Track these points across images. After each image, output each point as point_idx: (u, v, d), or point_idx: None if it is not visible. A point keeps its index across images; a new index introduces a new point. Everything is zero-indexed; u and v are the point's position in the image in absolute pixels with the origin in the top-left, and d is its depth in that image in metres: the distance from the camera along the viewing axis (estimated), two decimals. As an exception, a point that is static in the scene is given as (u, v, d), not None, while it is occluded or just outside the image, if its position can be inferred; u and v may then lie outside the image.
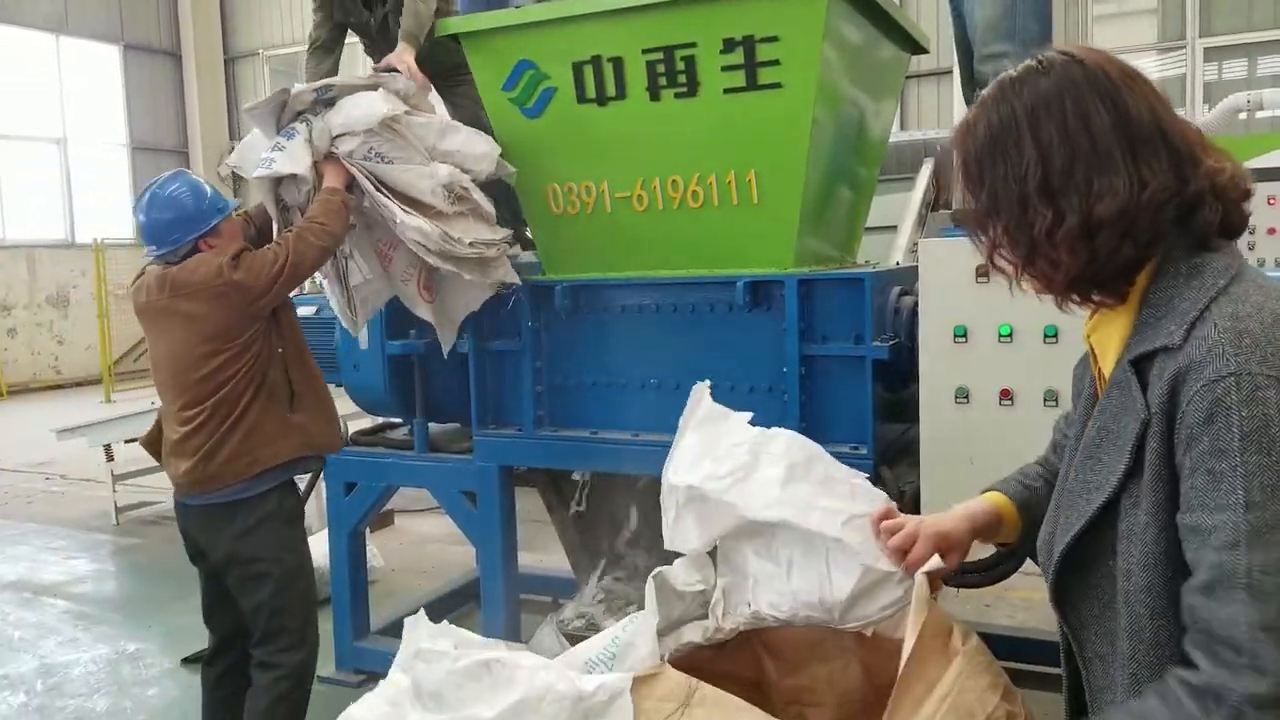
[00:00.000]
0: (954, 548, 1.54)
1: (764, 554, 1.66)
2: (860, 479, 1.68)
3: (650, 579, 1.71)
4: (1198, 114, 11.04)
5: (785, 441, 1.71)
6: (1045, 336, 2.57)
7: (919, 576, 1.51)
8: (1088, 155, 1.18)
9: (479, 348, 3.62)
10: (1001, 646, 3.74)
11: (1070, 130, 1.19)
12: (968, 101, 3.23)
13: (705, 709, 1.52)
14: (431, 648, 1.60)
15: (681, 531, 1.73)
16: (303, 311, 4.23)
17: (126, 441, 7.06)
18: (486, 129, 4.16)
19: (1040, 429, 2.59)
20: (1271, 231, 5.01)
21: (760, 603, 1.66)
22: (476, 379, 3.64)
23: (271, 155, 3.03)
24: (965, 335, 2.67)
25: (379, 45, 4.15)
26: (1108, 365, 1.31)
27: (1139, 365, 1.21)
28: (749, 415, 1.78)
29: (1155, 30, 11.85)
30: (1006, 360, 2.63)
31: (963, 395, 2.69)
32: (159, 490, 7.27)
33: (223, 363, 2.88)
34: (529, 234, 4.62)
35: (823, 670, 1.79)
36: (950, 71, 11.83)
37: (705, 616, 1.75)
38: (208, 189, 3.04)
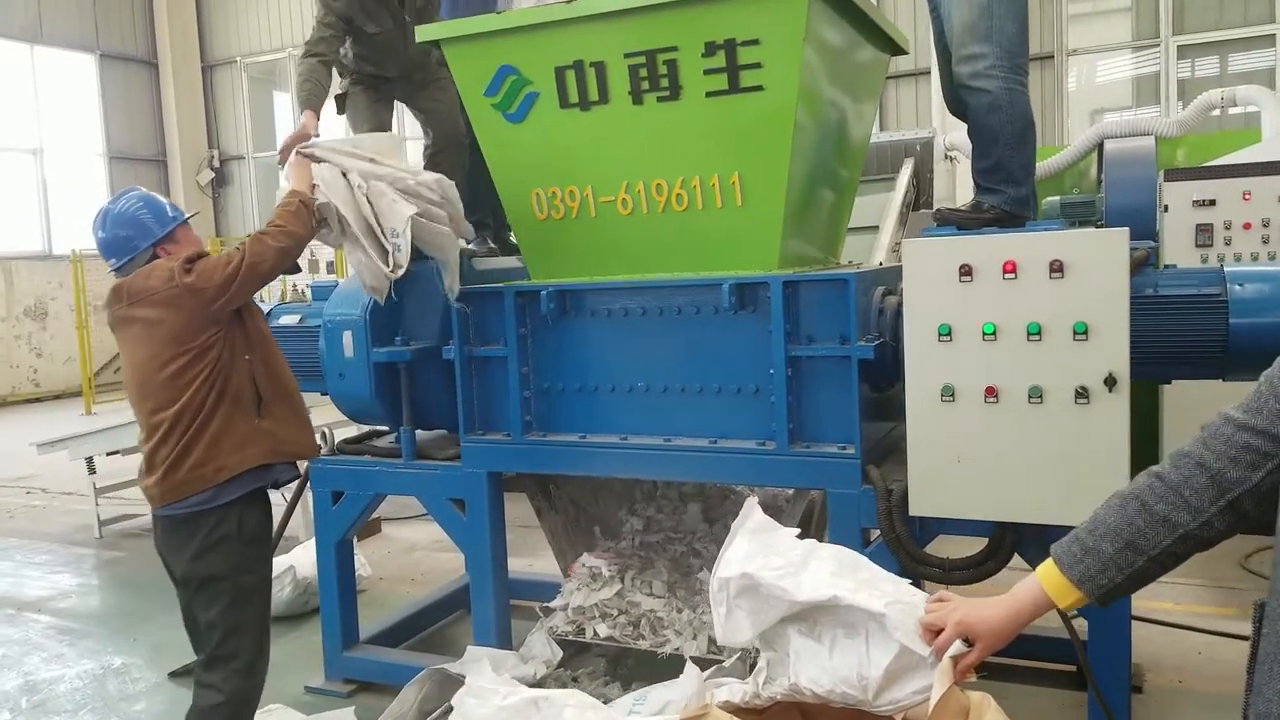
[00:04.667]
0: (982, 637, 1.56)
1: (807, 633, 1.74)
2: (905, 582, 1.76)
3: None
4: (1172, 111, 11.17)
5: (834, 549, 1.84)
6: (1028, 334, 2.59)
7: (943, 660, 1.58)
8: None
9: (465, 354, 3.62)
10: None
11: None
12: (948, 102, 3.25)
13: None
14: (483, 685, 1.65)
15: (734, 625, 1.81)
16: (285, 320, 4.23)
17: (109, 454, 7.00)
18: (462, 131, 4.18)
19: (1025, 426, 2.64)
20: (1247, 226, 5.08)
21: (800, 677, 1.74)
22: (463, 385, 3.63)
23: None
24: (950, 334, 2.68)
25: (396, 49, 4.14)
26: None
27: None
28: (797, 530, 1.90)
29: (1129, 29, 11.97)
30: (991, 358, 2.64)
31: (948, 393, 2.70)
32: (142, 503, 7.14)
33: (181, 367, 2.86)
34: (513, 239, 4.64)
35: None
36: (928, 72, 11.91)
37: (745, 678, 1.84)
38: (162, 200, 3.10)
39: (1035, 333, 2.58)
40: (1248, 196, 5.07)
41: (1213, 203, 5.15)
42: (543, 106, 3.36)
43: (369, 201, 3.35)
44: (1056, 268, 2.54)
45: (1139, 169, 5.69)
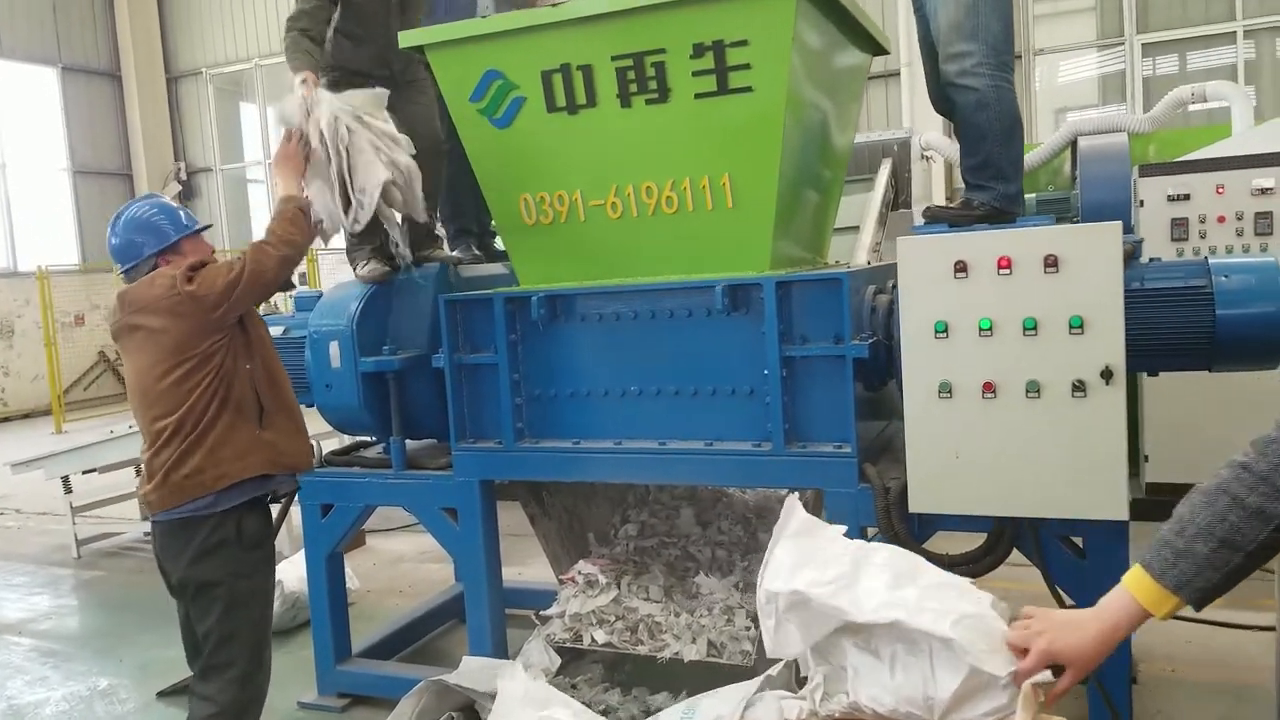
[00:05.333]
0: (1071, 664, 1.47)
1: (863, 648, 1.69)
2: (966, 583, 1.69)
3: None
4: (1139, 109, 11.34)
5: (887, 553, 1.76)
6: (1024, 329, 2.60)
7: (1025, 686, 1.50)
8: None
9: (455, 361, 3.58)
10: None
11: None
12: (934, 100, 3.27)
13: None
14: (544, 714, 1.61)
15: (784, 638, 1.75)
16: (272, 331, 4.17)
17: (84, 472, 6.89)
18: (441, 138, 4.12)
19: (1023, 421, 2.65)
20: (1221, 219, 5.16)
21: (860, 695, 1.68)
22: (454, 393, 3.60)
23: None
24: (946, 330, 2.69)
25: (378, 21, 4.01)
26: None
27: None
28: (844, 528, 1.83)
29: (1094, 28, 12.14)
30: (988, 354, 2.66)
31: (946, 390, 2.71)
32: (120, 521, 7.10)
33: (184, 374, 2.87)
34: (498, 245, 4.61)
35: None
36: (898, 73, 12.02)
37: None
38: (178, 210, 3.12)
39: (1031, 328, 2.60)
40: (1221, 190, 5.16)
41: (1187, 197, 5.23)
42: (529, 111, 3.34)
43: (347, 152, 3.33)
44: (1051, 263, 2.56)
45: (1113, 165, 5.75)
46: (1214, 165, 5.23)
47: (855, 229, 6.18)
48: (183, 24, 17.61)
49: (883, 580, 1.68)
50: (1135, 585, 1.46)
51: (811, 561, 1.74)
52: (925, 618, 1.60)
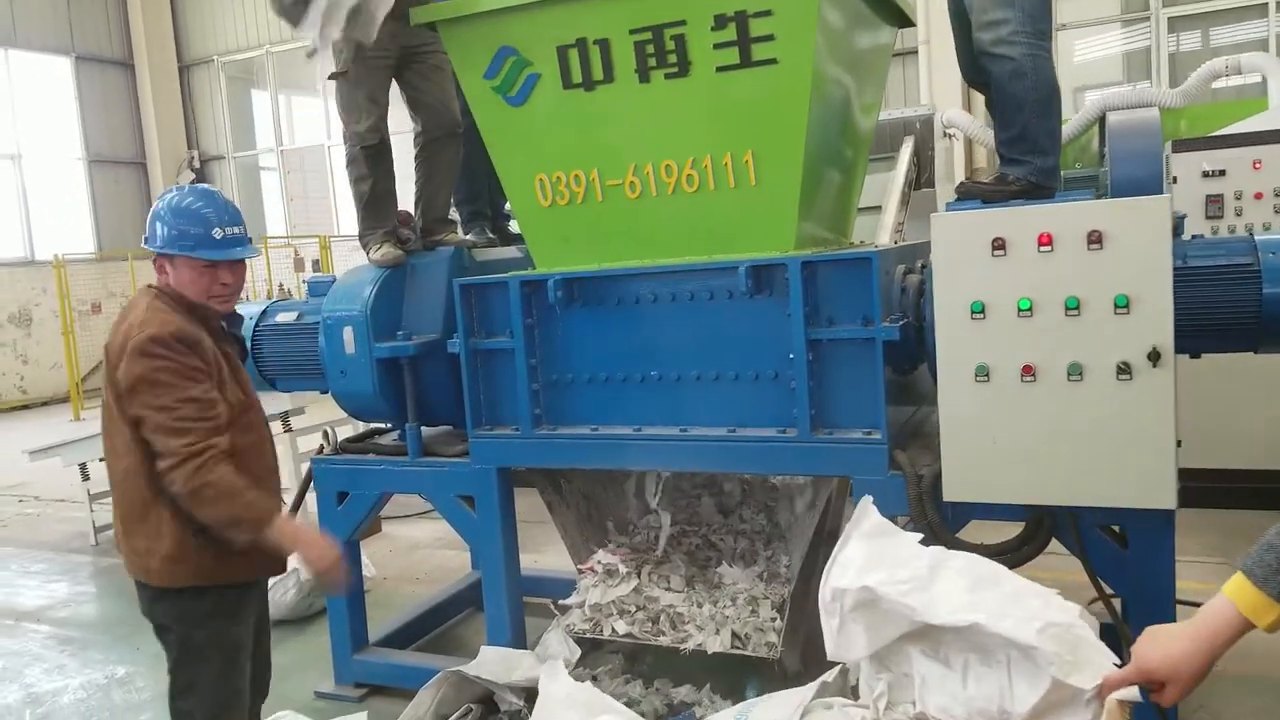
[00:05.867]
0: (1168, 679, 1.38)
1: (931, 655, 1.59)
2: (1052, 593, 1.60)
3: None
4: (1164, 84, 11.08)
5: (966, 560, 1.67)
6: (1067, 309, 2.48)
7: (1109, 702, 1.43)
8: None
9: (471, 347, 3.49)
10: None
11: None
12: (966, 72, 3.14)
13: None
14: None
15: (847, 639, 1.66)
16: (283, 317, 4.10)
17: (101, 459, 6.86)
18: (457, 120, 4.01)
19: (1065, 405, 2.54)
20: (1259, 196, 4.99)
21: (928, 705, 1.59)
22: (470, 379, 3.51)
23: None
24: (983, 311, 2.57)
25: None
26: None
27: None
28: (919, 535, 1.76)
29: (1119, 2, 11.86)
30: (1027, 335, 2.54)
31: (982, 373, 2.60)
32: (137, 509, 7.10)
33: (114, 435, 2.52)
34: (513, 228, 4.51)
35: None
36: (916, 51, 11.80)
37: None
38: (215, 219, 2.56)
39: (1074, 307, 2.48)
40: (1258, 165, 4.99)
41: (1222, 173, 5.06)
42: (545, 88, 3.23)
43: None
44: (1095, 239, 2.43)
45: (1144, 140, 5.59)
46: (1251, 139, 5.06)
47: (877, 209, 6.05)
48: (194, 12, 17.56)
49: (961, 585, 1.58)
50: (1236, 593, 1.37)
51: (884, 562, 1.64)
52: (1008, 623, 1.51)
